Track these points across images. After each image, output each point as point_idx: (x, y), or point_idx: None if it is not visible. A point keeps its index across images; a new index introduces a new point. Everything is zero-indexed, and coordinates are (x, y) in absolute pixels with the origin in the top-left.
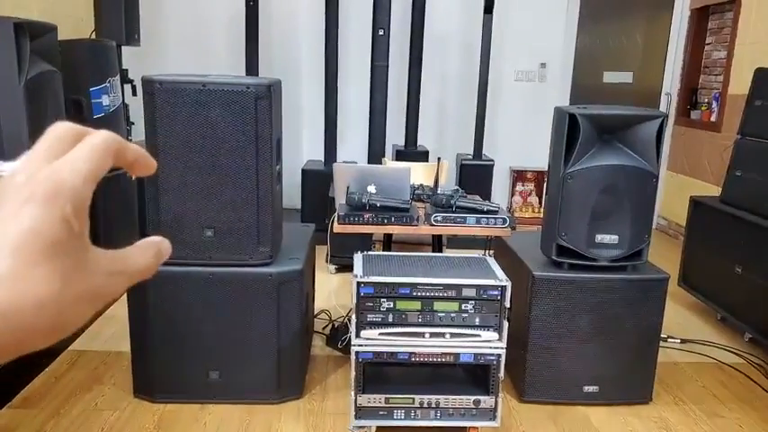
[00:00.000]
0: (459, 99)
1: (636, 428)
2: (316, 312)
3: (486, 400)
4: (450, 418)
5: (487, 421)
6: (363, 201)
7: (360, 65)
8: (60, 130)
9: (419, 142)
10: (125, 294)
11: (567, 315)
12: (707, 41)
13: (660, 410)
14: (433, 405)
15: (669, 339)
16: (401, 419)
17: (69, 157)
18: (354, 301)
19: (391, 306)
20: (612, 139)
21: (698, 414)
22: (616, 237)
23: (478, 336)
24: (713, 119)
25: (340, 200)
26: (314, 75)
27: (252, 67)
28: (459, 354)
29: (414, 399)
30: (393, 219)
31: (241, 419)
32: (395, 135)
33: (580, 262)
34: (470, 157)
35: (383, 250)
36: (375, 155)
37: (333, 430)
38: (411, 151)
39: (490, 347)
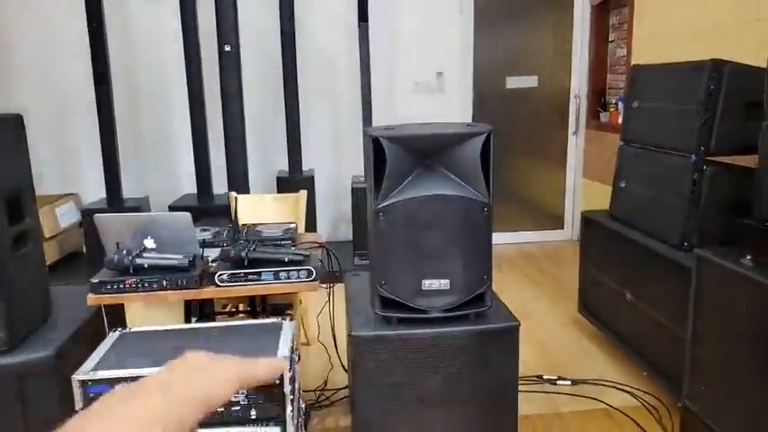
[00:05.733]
0: (352, 117)
1: None
2: None
3: None
4: None
5: None
6: (126, 262)
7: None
8: (189, 361)
9: (313, 165)
10: None
11: (400, 382)
12: (609, 39)
13: None
14: None
15: (559, 381)
16: None
17: (181, 391)
18: (80, 406)
19: None
20: (435, 165)
21: None
22: (447, 281)
23: None
24: (620, 121)
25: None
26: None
27: (102, 97)
28: None
29: None
30: (165, 282)
31: None
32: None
33: (408, 315)
34: (363, 179)
35: (185, 319)
36: (238, 187)
37: None
38: (294, 178)
39: None
